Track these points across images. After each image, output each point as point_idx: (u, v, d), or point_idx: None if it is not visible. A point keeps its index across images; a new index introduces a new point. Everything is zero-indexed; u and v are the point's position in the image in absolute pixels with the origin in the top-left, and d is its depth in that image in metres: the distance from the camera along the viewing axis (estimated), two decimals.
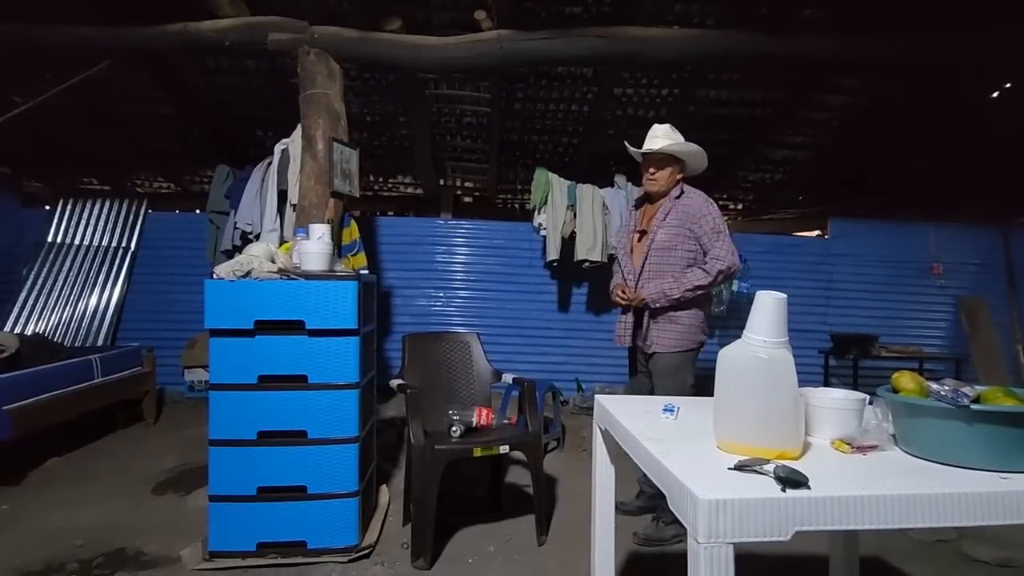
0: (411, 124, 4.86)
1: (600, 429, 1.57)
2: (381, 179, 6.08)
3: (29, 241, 5.07)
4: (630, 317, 2.57)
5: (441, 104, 4.73)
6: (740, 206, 6.38)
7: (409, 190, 6.22)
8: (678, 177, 2.53)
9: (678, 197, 2.51)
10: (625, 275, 2.59)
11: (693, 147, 2.49)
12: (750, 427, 1.11)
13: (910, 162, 5.26)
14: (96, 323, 4.88)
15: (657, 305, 2.45)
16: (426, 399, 2.44)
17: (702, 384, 2.48)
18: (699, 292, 2.44)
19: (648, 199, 2.64)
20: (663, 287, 2.42)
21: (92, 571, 2.18)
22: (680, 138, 2.52)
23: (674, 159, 2.50)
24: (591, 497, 1.61)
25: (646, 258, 2.50)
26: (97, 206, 5.21)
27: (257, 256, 2.26)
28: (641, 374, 2.65)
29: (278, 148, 3.79)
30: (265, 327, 2.18)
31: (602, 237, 4.50)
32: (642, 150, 2.50)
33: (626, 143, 2.62)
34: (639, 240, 2.59)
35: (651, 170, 2.51)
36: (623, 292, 2.52)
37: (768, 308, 1.14)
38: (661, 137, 2.49)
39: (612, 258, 3.07)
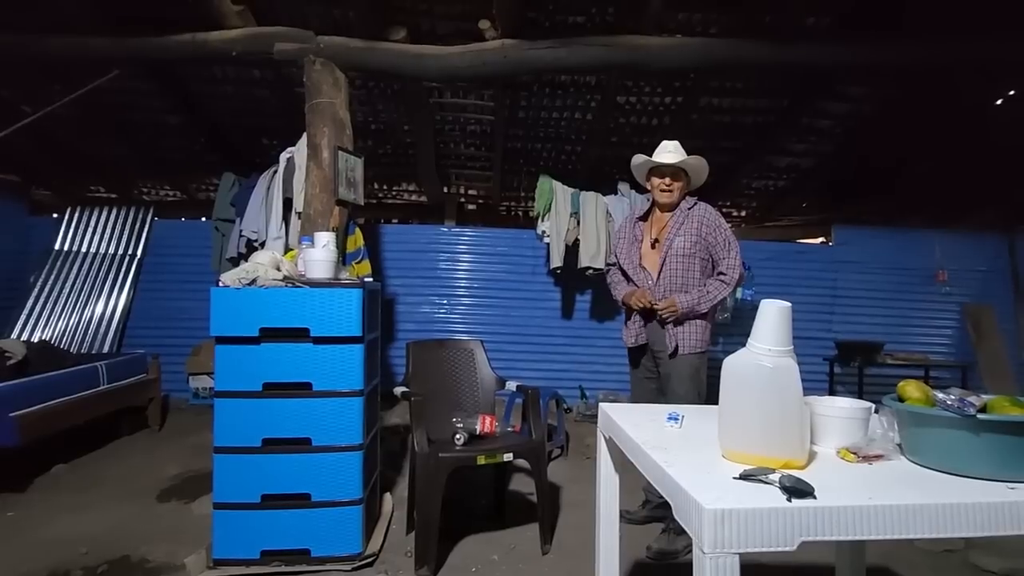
0: (415, 132, 4.89)
1: (604, 437, 1.57)
2: (385, 187, 6.11)
3: (36, 249, 5.12)
4: (641, 319, 2.57)
5: (445, 112, 4.76)
6: (744, 213, 6.37)
7: (413, 198, 6.25)
8: (686, 191, 2.61)
9: (691, 208, 2.57)
10: (639, 285, 2.60)
11: (704, 164, 2.56)
12: (755, 436, 1.11)
13: (914, 168, 5.25)
14: (102, 330, 4.90)
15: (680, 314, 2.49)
16: (430, 407, 2.44)
17: (706, 392, 2.49)
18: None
19: (657, 210, 2.66)
20: (692, 303, 2.46)
21: None
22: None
23: (685, 173, 2.56)
24: (595, 506, 1.61)
25: (663, 264, 2.52)
26: (104, 214, 5.26)
27: (262, 264, 2.27)
28: (647, 379, 2.65)
29: (283, 156, 3.83)
30: (270, 334, 2.19)
31: (606, 244, 4.51)
32: (666, 161, 2.52)
33: (637, 156, 2.63)
34: (651, 248, 2.61)
35: (667, 180, 2.55)
36: (643, 299, 2.50)
37: (773, 316, 1.14)
38: (674, 152, 2.55)
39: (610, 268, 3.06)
